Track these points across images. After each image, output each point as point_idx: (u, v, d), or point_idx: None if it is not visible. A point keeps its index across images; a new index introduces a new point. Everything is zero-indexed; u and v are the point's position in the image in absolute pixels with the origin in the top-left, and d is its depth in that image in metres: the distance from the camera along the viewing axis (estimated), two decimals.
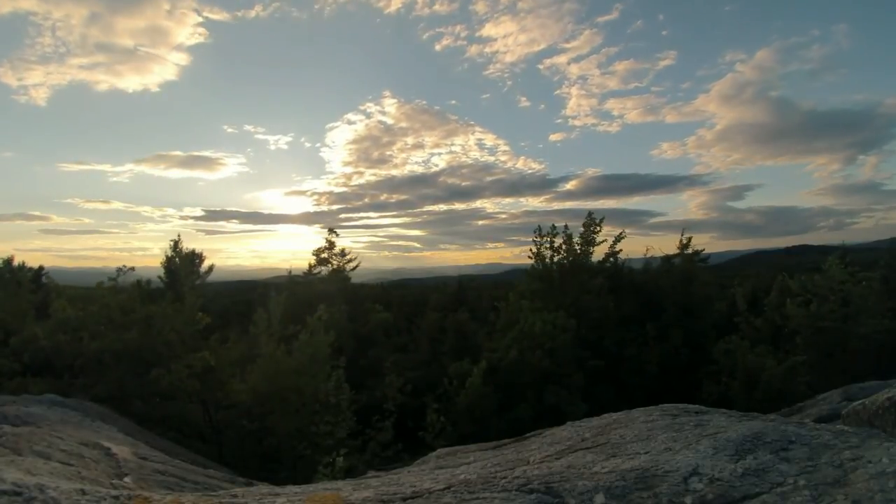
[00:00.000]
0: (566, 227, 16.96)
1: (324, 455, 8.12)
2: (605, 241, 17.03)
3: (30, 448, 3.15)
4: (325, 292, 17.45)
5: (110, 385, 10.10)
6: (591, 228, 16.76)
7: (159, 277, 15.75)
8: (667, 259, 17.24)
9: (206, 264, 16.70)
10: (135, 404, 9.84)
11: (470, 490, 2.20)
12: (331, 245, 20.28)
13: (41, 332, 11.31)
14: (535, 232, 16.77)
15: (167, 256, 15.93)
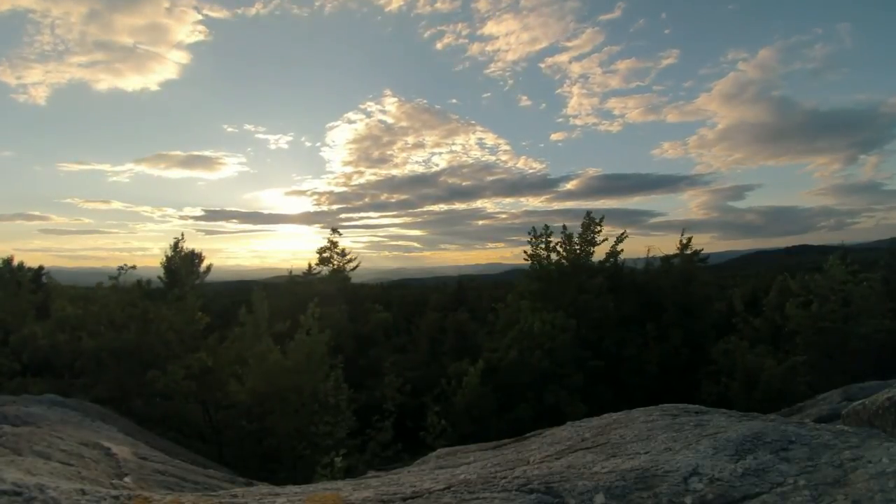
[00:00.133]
0: (564, 227, 16.97)
1: (323, 455, 8.11)
2: (606, 240, 17.04)
3: (30, 448, 3.15)
4: (325, 292, 17.45)
5: (110, 385, 10.11)
6: (590, 228, 16.75)
7: (159, 277, 15.75)
8: (666, 259, 17.24)
9: (205, 264, 16.72)
10: (135, 404, 9.84)
11: (470, 490, 2.20)
12: (333, 244, 20.32)
13: (40, 332, 11.32)
14: (529, 233, 16.78)
15: (167, 256, 15.94)
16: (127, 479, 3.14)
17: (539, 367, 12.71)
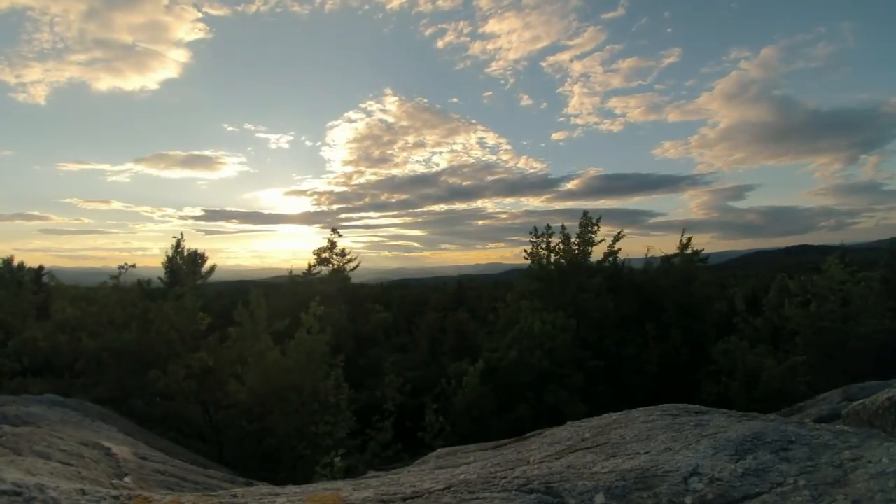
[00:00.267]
0: (563, 227, 16.98)
1: (323, 455, 8.10)
2: (604, 240, 17.04)
3: (30, 448, 3.15)
4: (325, 292, 17.46)
5: (110, 385, 10.11)
6: (588, 228, 16.76)
7: (159, 278, 15.76)
8: (666, 259, 17.24)
9: (208, 265, 16.72)
10: (135, 404, 9.84)
11: (470, 490, 2.20)
12: (332, 245, 20.32)
13: (40, 334, 11.32)
14: (531, 233, 16.80)
15: (168, 256, 15.94)
16: (127, 479, 3.14)
17: (539, 367, 12.71)
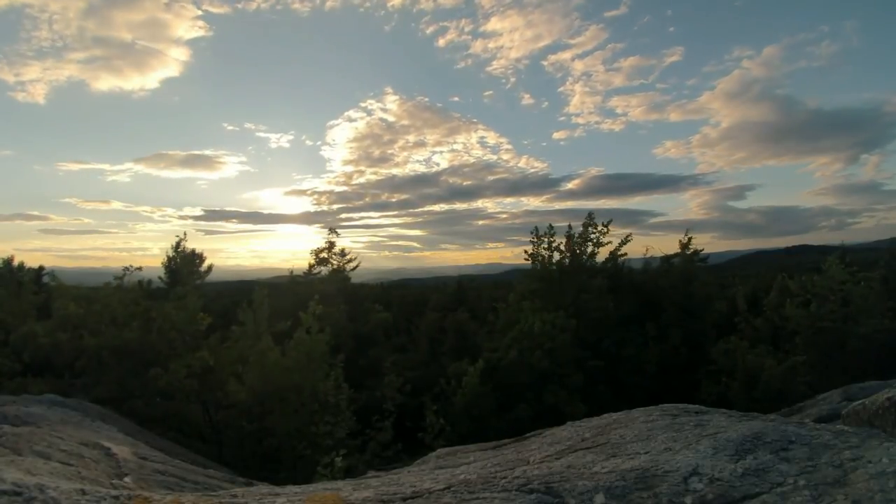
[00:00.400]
0: (570, 226, 16.95)
1: (323, 455, 8.11)
2: (610, 242, 16.97)
3: (30, 448, 3.15)
4: (325, 292, 17.46)
5: (111, 384, 10.11)
6: (589, 229, 16.73)
7: (160, 277, 15.77)
8: (666, 259, 17.24)
9: (206, 264, 16.74)
10: (135, 404, 9.84)
11: (470, 490, 2.20)
12: (330, 245, 20.31)
13: (41, 331, 11.31)
14: (531, 233, 16.79)
15: (168, 256, 15.95)
16: (127, 479, 3.14)
17: (539, 367, 12.71)
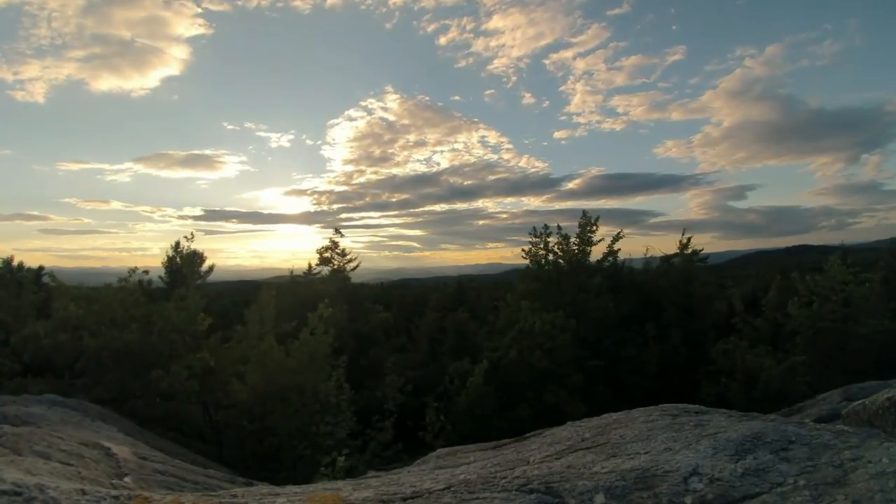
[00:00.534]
0: (559, 227, 17.00)
1: (324, 455, 8.11)
2: (603, 240, 17.06)
3: (30, 448, 3.15)
4: (326, 292, 17.47)
5: (111, 385, 10.09)
6: (588, 228, 16.78)
7: (160, 277, 15.76)
8: (666, 259, 17.25)
9: (206, 264, 16.74)
10: (135, 404, 9.83)
11: (470, 490, 2.20)
12: (335, 245, 20.36)
13: (42, 331, 11.30)
14: (530, 233, 16.85)
15: (168, 256, 15.95)
16: (127, 479, 3.15)
17: (539, 367, 12.71)
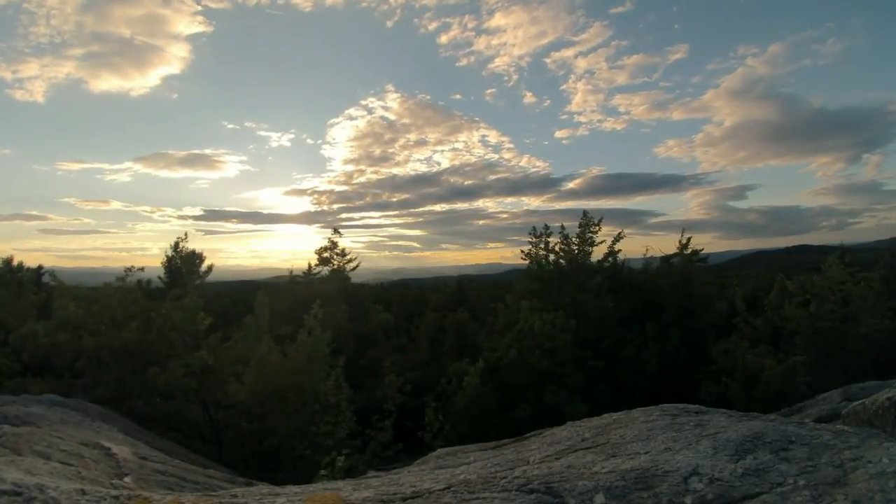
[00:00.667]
0: (562, 227, 17.02)
1: (324, 455, 8.11)
2: (604, 241, 17.08)
3: (30, 448, 3.15)
4: (326, 292, 17.48)
5: (111, 384, 10.09)
6: (588, 228, 16.78)
7: (159, 277, 15.76)
8: (666, 259, 17.26)
9: (205, 264, 16.74)
10: (135, 404, 9.83)
11: (470, 490, 2.20)
12: (334, 245, 20.37)
13: (42, 330, 11.31)
14: (529, 233, 16.86)
15: (168, 256, 15.95)
16: (127, 479, 3.14)
17: (539, 367, 12.71)
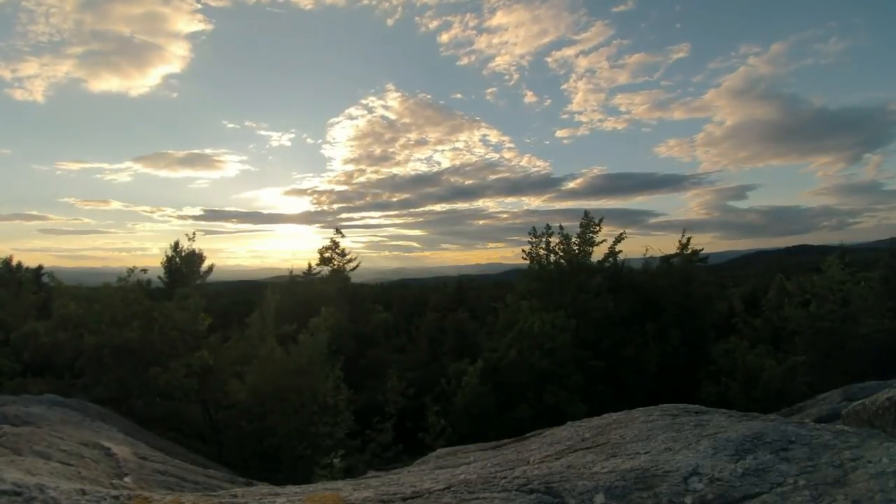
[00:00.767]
0: (561, 227, 17.02)
1: (323, 455, 8.12)
2: (605, 241, 17.09)
3: (30, 448, 3.15)
4: (326, 292, 17.47)
5: (111, 384, 10.09)
6: (589, 228, 16.79)
7: (159, 277, 15.75)
8: (666, 259, 17.26)
9: (206, 264, 16.72)
10: (135, 404, 9.83)
11: (470, 490, 2.20)
12: (335, 244, 20.37)
13: (42, 329, 11.31)
14: (530, 233, 16.87)
15: (168, 256, 15.94)
16: (127, 479, 3.14)
17: (539, 367, 12.71)
